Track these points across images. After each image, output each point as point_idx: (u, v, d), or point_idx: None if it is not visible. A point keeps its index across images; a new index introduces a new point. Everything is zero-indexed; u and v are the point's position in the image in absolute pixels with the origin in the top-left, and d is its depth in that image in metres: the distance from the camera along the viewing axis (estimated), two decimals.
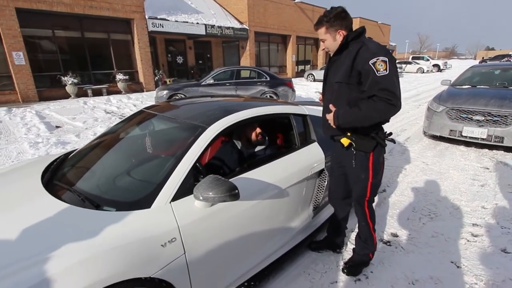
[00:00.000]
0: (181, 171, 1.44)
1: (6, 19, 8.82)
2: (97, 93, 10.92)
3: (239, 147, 2.14)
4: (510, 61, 23.73)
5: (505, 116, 4.19)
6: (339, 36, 1.60)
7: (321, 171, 2.18)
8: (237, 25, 16.33)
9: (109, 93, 11.20)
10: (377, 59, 1.47)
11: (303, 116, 2.31)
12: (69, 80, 10.08)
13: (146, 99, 10.10)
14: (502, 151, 4.43)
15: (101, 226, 1.22)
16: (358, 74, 1.54)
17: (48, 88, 10.24)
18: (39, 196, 1.48)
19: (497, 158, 4.19)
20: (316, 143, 2.23)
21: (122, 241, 1.16)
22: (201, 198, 1.35)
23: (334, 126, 1.68)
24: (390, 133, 1.77)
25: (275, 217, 1.86)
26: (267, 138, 2.21)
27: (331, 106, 1.68)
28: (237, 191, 1.36)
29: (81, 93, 10.49)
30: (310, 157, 2.11)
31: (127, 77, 11.60)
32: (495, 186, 3.31)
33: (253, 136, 2.10)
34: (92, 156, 1.91)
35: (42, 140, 5.23)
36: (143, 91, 12.27)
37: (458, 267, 2.03)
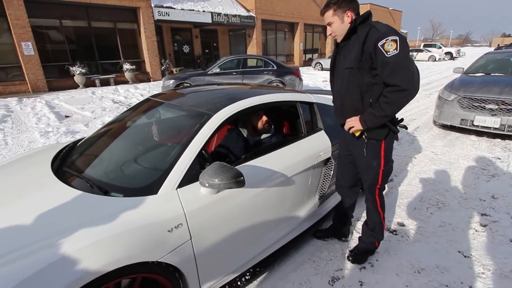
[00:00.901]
0: (187, 158, 1.45)
1: (15, 9, 8.87)
2: (104, 83, 10.99)
3: (245, 135, 2.13)
4: None
5: None
6: (347, 18, 1.54)
7: (328, 160, 2.17)
8: (243, 12, 16.06)
9: (117, 83, 11.26)
10: (386, 40, 1.42)
11: (310, 104, 2.28)
12: (77, 70, 10.16)
13: (153, 89, 10.12)
14: None
15: (110, 212, 1.25)
16: (370, 57, 1.49)
17: (57, 78, 10.35)
18: (50, 182, 1.51)
19: (509, 148, 4.08)
20: (322, 131, 2.20)
21: (130, 226, 1.19)
22: (206, 184, 1.35)
23: (359, 129, 1.65)
24: (402, 119, 1.73)
25: (281, 205, 1.87)
26: (273, 126, 2.20)
27: (354, 119, 1.65)
28: (242, 178, 1.36)
29: (89, 83, 10.58)
30: (317, 145, 2.09)
31: (134, 67, 11.63)
32: (506, 176, 3.24)
33: (259, 124, 2.09)
34: (100, 144, 1.94)
35: (52, 129, 5.33)
36: (150, 81, 12.30)
37: (465, 256, 2.01)
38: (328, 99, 2.45)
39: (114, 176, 1.56)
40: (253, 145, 2.09)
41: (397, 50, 1.41)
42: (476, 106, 4.41)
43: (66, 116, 6.50)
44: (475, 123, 4.39)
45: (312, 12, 19.89)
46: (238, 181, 1.35)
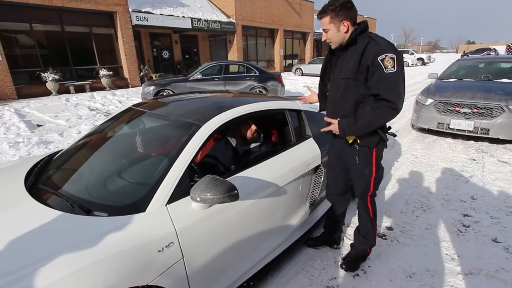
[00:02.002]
0: (176, 172, 1.38)
1: None
2: (80, 89, 10.51)
3: (233, 145, 2.08)
4: (490, 54, 24.49)
5: (491, 108, 4.29)
6: (343, 27, 1.54)
7: (317, 167, 2.16)
8: (224, 18, 16.06)
9: (93, 89, 10.81)
10: (386, 56, 1.44)
11: (298, 112, 2.27)
12: (49, 77, 9.65)
13: (132, 95, 9.82)
14: (487, 143, 4.55)
15: (92, 233, 1.15)
16: (366, 69, 1.50)
17: (27, 85, 9.77)
18: (23, 201, 1.38)
19: (482, 150, 4.30)
20: (311, 139, 2.20)
21: (116, 249, 1.09)
22: (198, 199, 1.29)
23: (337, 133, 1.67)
24: (389, 127, 1.76)
25: (273, 215, 1.82)
26: (262, 135, 2.16)
27: (328, 119, 1.70)
28: (236, 191, 1.31)
29: (63, 90, 10.07)
30: (307, 153, 2.07)
31: (111, 72, 11.22)
32: (483, 177, 3.40)
33: (248, 133, 2.04)
34: (80, 157, 1.81)
35: (22, 139, 4.99)
36: (128, 87, 11.92)
37: (452, 258, 2.06)
38: (314, 106, 2.45)
39: (97, 193, 1.45)
40: (242, 155, 2.04)
41: (394, 68, 1.44)
42: (451, 110, 4.62)
43: (38, 125, 6.12)
44: (451, 126, 4.60)
45: (291, 19, 20.26)
46: (232, 195, 1.29)
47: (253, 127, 2.04)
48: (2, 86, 8.99)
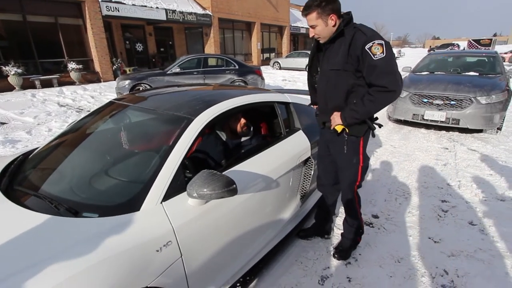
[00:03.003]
0: (171, 167, 1.32)
1: None
2: (46, 84, 9.80)
3: (223, 139, 2.03)
4: (453, 49, 25.99)
5: (461, 100, 4.55)
6: (331, 21, 1.53)
7: (307, 159, 2.17)
8: (199, 10, 15.64)
9: (61, 84, 10.13)
10: (372, 43, 1.45)
11: (286, 104, 2.27)
12: (11, 70, 8.89)
13: (104, 90, 9.34)
14: (457, 132, 4.84)
15: (83, 236, 1.07)
16: (356, 60, 1.51)
17: None
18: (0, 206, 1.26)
19: (454, 139, 4.57)
20: (301, 131, 2.20)
21: (111, 252, 1.02)
22: (195, 195, 1.24)
23: (340, 124, 1.66)
24: (377, 118, 1.79)
25: (267, 209, 1.82)
26: (252, 128, 2.13)
27: (335, 114, 1.67)
28: (235, 186, 1.28)
29: (28, 85, 9.35)
30: (297, 145, 2.08)
31: (80, 66, 10.56)
32: (456, 164, 3.61)
33: (238, 127, 2.01)
34: (60, 156, 1.67)
35: None
36: (100, 81, 11.31)
37: (435, 242, 2.18)
38: (302, 99, 2.46)
39: (84, 193, 1.35)
40: (233, 149, 2.01)
41: (383, 54, 1.45)
42: (425, 102, 4.85)
43: (2, 123, 5.65)
44: (425, 117, 4.83)
45: (268, 12, 20.17)
46: (231, 189, 1.26)
47: (243, 120, 2.00)
48: None
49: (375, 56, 1.45)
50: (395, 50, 28.56)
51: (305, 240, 2.18)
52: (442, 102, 4.69)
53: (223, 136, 2.03)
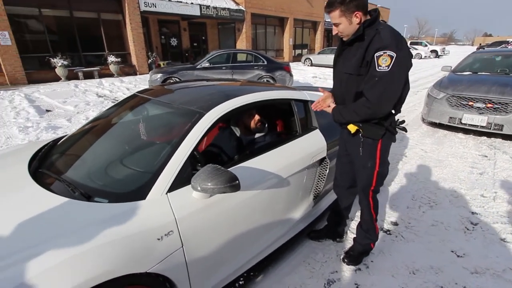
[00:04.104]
0: (178, 160, 1.36)
1: None
2: (88, 76, 10.56)
3: (237, 134, 2.05)
4: (507, 47, 23.58)
5: (506, 103, 4.13)
6: (356, 19, 1.44)
7: (323, 159, 2.11)
8: (233, 6, 15.77)
9: (101, 76, 10.85)
10: (384, 53, 1.36)
11: (305, 102, 2.22)
12: (58, 62, 9.70)
13: (139, 83, 9.82)
14: (500, 139, 4.41)
15: (92, 219, 1.14)
16: (367, 65, 1.44)
17: (37, 70, 9.86)
18: (25, 186, 1.38)
19: (495, 146, 4.17)
20: (317, 130, 2.15)
21: (114, 236, 1.09)
22: (199, 188, 1.27)
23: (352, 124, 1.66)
24: (403, 121, 1.69)
25: (275, 207, 1.80)
26: (266, 125, 2.12)
27: (330, 103, 1.72)
28: (237, 181, 1.28)
29: (72, 76, 10.14)
30: (312, 144, 2.03)
31: (119, 59, 11.22)
32: (494, 174, 3.30)
33: (252, 123, 2.00)
34: (83, 143, 1.80)
35: (32, 124, 5.06)
36: (136, 74, 11.93)
37: (458, 256, 2.02)
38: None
39: (98, 179, 1.44)
40: (246, 145, 2.01)
41: (388, 68, 1.36)
42: (464, 105, 4.47)
43: (47, 110, 6.19)
44: (463, 121, 4.46)
45: (302, 7, 19.77)
46: (233, 185, 1.27)
47: (257, 117, 2.00)
48: (12, 71, 9.10)
49: (379, 68, 1.37)
50: (438, 48, 26.81)
51: (316, 241, 2.14)
52: (484, 105, 4.29)
53: (237, 132, 2.05)
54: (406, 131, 1.83)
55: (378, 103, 1.44)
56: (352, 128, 1.60)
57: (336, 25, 1.50)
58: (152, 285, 1.21)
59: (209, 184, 1.25)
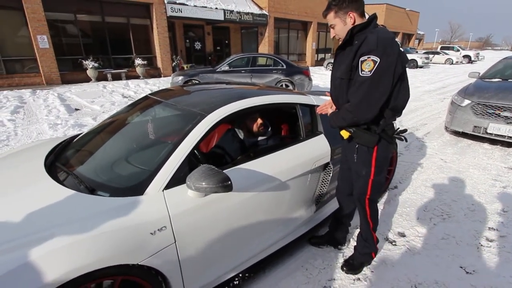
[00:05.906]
0: (176, 159, 1.42)
1: (32, 3, 9.07)
2: (116, 77, 11.14)
3: (241, 137, 2.09)
4: None
5: None
6: (350, 19, 1.45)
7: (326, 165, 2.10)
8: (256, 10, 15.97)
9: (128, 77, 11.41)
10: (368, 57, 1.35)
11: (311, 107, 2.21)
12: (90, 64, 10.34)
13: (163, 84, 10.20)
14: None
15: (92, 211, 1.23)
16: (355, 69, 1.43)
17: (70, 71, 10.57)
18: (39, 179, 1.51)
19: None
20: (322, 135, 2.14)
21: (110, 227, 1.16)
22: (193, 187, 1.32)
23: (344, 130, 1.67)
24: (405, 130, 1.65)
25: (274, 209, 1.82)
26: (270, 128, 2.14)
27: (329, 108, 1.75)
28: (229, 182, 1.32)
29: (101, 77, 10.75)
30: (315, 149, 2.02)
31: (145, 62, 11.75)
32: None
33: (254, 127, 2.04)
34: (94, 141, 1.93)
35: (61, 121, 5.43)
36: (160, 77, 12.40)
37: (467, 273, 1.91)
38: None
39: (104, 174, 1.54)
40: (248, 147, 2.04)
41: (370, 73, 1.35)
42: (490, 113, 4.22)
43: (76, 109, 6.61)
44: (488, 131, 4.21)
45: None
46: (225, 185, 1.31)
47: (259, 120, 2.03)
48: (49, 72, 9.81)
49: (362, 72, 1.37)
50: (471, 53, 25.34)
51: (316, 247, 2.12)
52: None
53: (240, 134, 2.09)
54: (404, 141, 1.76)
55: (359, 108, 1.43)
56: (344, 134, 1.59)
57: (332, 26, 1.52)
58: (145, 278, 1.27)
59: (203, 183, 1.30)
